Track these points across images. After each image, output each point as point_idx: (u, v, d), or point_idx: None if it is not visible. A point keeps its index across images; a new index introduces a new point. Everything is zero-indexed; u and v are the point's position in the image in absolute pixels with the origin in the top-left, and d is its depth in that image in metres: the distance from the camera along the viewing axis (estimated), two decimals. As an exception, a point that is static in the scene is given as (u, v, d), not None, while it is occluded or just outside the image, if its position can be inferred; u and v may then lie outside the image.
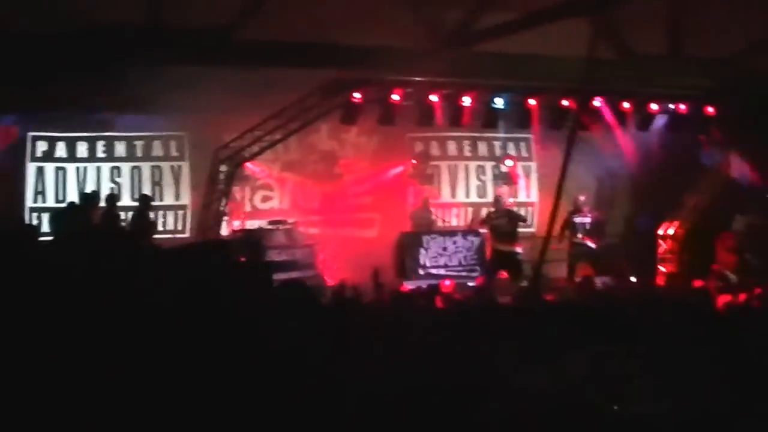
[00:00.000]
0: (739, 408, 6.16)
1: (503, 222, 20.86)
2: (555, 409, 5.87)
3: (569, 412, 5.88)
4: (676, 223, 24.38)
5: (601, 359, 6.80)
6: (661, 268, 23.78)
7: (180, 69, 18.56)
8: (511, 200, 23.34)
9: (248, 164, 21.24)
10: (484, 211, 23.78)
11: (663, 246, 24.42)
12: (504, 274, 20.54)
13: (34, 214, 20.94)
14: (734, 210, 22.91)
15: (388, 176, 23.54)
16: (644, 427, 5.99)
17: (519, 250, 21.04)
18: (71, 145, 21.70)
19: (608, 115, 22.60)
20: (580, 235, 21.77)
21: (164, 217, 22.11)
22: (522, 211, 23.82)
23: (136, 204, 20.05)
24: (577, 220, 21.88)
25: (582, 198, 22.10)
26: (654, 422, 6.01)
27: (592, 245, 21.74)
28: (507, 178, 24.03)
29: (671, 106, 22.91)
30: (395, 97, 20.85)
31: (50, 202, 21.23)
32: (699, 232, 24.01)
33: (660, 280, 21.93)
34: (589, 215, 22.07)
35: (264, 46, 18.33)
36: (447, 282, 19.50)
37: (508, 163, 23.93)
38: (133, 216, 19.44)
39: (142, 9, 17.60)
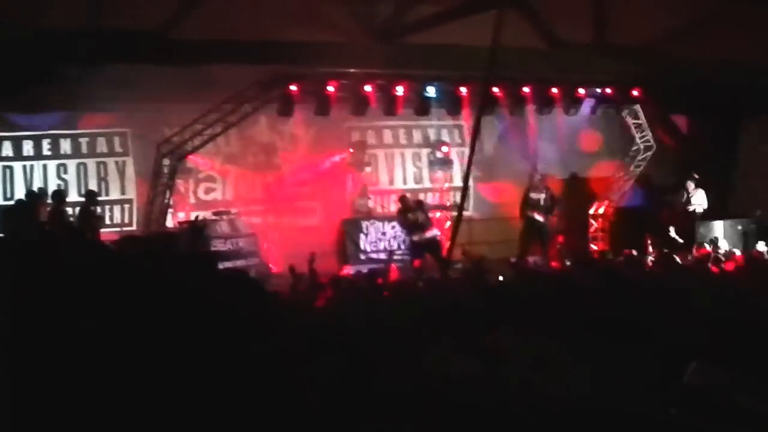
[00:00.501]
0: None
1: (421, 216, 21.53)
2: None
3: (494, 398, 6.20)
4: (606, 203, 25.15)
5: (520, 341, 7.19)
6: (593, 247, 24.54)
7: (121, 68, 18.96)
8: (447, 185, 24.07)
9: (191, 157, 21.61)
10: (422, 196, 24.55)
11: (594, 225, 25.19)
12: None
13: (-16, 213, 21.23)
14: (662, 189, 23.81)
15: (327, 165, 23.97)
16: (567, 409, 6.32)
17: (437, 232, 21.80)
18: (17, 144, 21.95)
19: (537, 100, 23.38)
20: (536, 212, 22.53)
21: (111, 211, 22.40)
22: (458, 195, 24.60)
23: (82, 200, 20.50)
24: (533, 195, 22.65)
25: (538, 176, 22.85)
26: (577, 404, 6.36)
27: (540, 218, 22.49)
28: (443, 164, 24.53)
29: (598, 90, 23.72)
30: (330, 88, 21.38)
31: (-2, 200, 21.57)
32: (628, 211, 24.88)
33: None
34: (544, 192, 22.84)
35: (200, 45, 18.65)
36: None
37: (444, 149, 24.49)
38: (80, 211, 19.89)
39: (82, 12, 17.93)
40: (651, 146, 24.43)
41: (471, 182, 24.75)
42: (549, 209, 22.68)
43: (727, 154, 23.19)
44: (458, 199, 24.20)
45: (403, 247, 22.43)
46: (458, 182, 24.76)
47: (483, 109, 13.40)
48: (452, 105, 23.08)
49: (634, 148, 24.75)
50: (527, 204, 22.48)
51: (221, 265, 15.66)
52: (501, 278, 15.53)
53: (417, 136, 25.24)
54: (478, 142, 23.61)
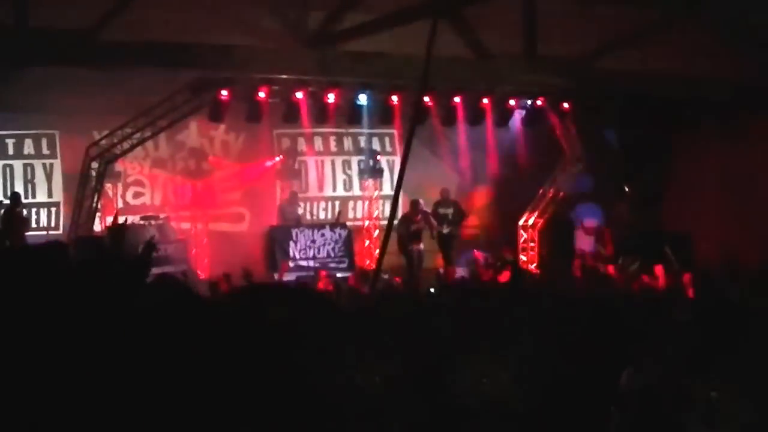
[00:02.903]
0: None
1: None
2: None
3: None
4: (535, 213, 25.37)
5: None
6: (522, 257, 24.72)
7: (48, 69, 18.80)
8: (377, 193, 24.11)
9: (119, 161, 21.43)
10: (352, 204, 24.70)
11: (524, 236, 25.40)
12: None
13: None
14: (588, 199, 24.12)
15: (257, 172, 23.82)
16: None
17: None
18: (-59, 144, 21.67)
19: (467, 111, 23.54)
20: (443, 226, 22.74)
21: (37, 214, 22.09)
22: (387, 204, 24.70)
23: (7, 202, 20.27)
24: (441, 210, 22.88)
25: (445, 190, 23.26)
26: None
27: (446, 231, 22.73)
28: (373, 172, 24.48)
29: (529, 102, 23.94)
30: (261, 95, 21.41)
31: (-77, 202, 21.21)
32: (557, 221, 25.14)
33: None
34: (452, 207, 23.09)
35: (130, 47, 18.50)
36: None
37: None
38: (4, 214, 19.71)
39: (8, 11, 17.73)
40: (580, 159, 24.68)
41: (401, 193, 25.04)
42: (456, 222, 23.03)
43: (657, 168, 23.48)
44: (387, 208, 24.37)
45: (333, 255, 22.47)
46: (388, 191, 24.79)
47: (416, 121, 13.45)
48: (383, 113, 23.16)
49: (564, 161, 25.07)
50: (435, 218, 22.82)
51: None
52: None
53: (347, 144, 25.18)
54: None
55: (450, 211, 23.07)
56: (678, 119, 22.45)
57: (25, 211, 20.68)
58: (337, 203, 24.92)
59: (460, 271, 21.16)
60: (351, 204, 25.06)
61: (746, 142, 21.88)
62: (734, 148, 22.01)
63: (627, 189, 24.03)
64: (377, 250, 22.51)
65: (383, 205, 24.44)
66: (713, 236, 20.27)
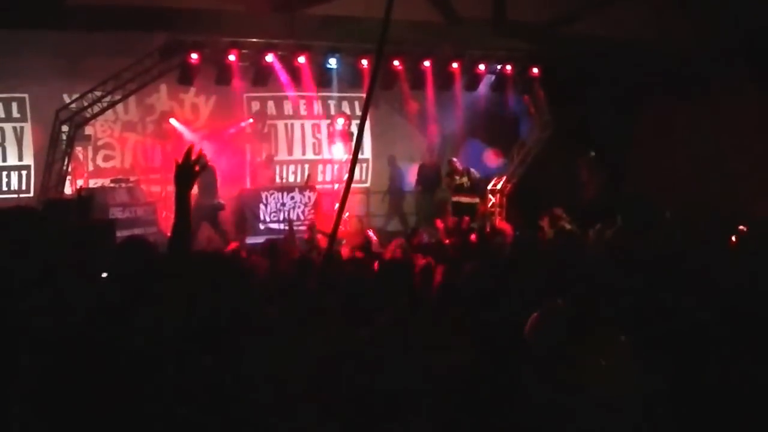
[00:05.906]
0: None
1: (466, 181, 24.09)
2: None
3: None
4: (504, 178, 25.56)
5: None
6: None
7: (17, 33, 18.80)
8: (346, 157, 24.21)
9: (89, 124, 21.42)
10: (321, 168, 24.86)
11: (492, 200, 25.60)
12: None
13: None
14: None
15: (227, 135, 23.74)
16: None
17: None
18: None
19: (436, 76, 23.69)
20: None
21: (8, 177, 22.18)
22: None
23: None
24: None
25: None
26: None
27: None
28: (343, 136, 24.62)
29: (498, 67, 24.07)
30: (231, 57, 21.45)
31: None
32: (526, 185, 25.32)
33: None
34: None
35: (97, 10, 18.50)
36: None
37: (341, 121, 24.28)
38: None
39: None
40: (549, 124, 24.85)
41: (369, 155, 25.27)
42: None
43: (623, 135, 23.66)
44: (357, 171, 24.58)
45: (302, 217, 22.60)
46: (358, 155, 24.86)
47: (373, 84, 13.59)
48: (353, 77, 23.20)
49: (533, 126, 25.29)
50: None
51: (119, 233, 15.83)
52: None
53: (317, 107, 25.19)
54: (378, 114, 24.01)
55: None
56: (642, 84, 22.57)
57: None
58: (306, 167, 25.11)
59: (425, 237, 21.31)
60: (320, 167, 25.22)
61: (709, 107, 22.03)
62: (699, 112, 22.17)
63: (593, 154, 24.18)
64: (346, 213, 22.81)
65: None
66: (676, 200, 20.42)
